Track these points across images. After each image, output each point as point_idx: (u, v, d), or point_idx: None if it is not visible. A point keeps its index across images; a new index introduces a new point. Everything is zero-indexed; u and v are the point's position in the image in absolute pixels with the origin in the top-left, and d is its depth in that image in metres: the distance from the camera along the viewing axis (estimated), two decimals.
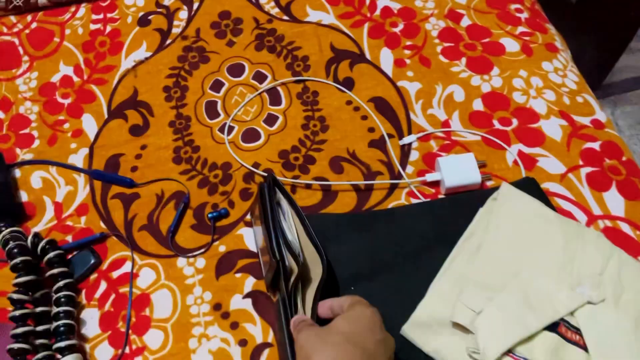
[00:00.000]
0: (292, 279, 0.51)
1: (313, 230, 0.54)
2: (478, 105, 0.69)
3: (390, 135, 0.68)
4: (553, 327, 0.48)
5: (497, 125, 0.68)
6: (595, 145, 0.65)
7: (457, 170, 0.62)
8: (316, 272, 0.52)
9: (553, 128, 0.67)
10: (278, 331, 0.52)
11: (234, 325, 0.56)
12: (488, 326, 0.48)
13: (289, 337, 0.48)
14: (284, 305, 0.50)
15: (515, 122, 0.68)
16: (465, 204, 0.60)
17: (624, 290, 0.50)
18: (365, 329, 0.44)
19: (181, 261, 0.60)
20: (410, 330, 0.52)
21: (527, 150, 0.66)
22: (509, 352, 0.47)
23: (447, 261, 0.55)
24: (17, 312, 0.54)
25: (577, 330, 0.48)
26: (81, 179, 0.67)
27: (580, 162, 0.64)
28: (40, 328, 0.55)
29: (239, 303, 0.57)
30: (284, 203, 0.57)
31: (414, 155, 0.66)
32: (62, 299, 0.56)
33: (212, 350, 0.55)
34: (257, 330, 0.55)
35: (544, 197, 0.59)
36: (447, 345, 0.50)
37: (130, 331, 0.56)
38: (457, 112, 0.69)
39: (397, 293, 0.55)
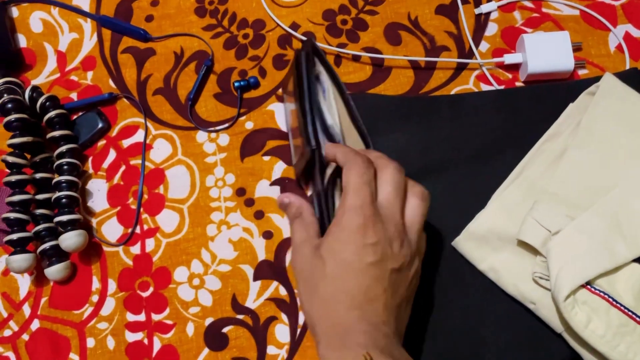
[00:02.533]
0: (329, 171, 0.42)
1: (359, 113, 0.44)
2: None
3: (464, 1, 0.54)
4: None
5: None
6: None
7: (545, 52, 0.49)
8: None
9: None
10: None
11: (259, 215, 0.48)
12: (565, 250, 0.39)
13: None
14: (318, 202, 0.42)
15: None
16: (550, 96, 0.48)
17: None
18: (351, 263, 0.36)
19: (201, 135, 0.51)
20: (465, 243, 0.44)
21: (636, 33, 0.52)
22: (586, 283, 0.38)
23: (519, 165, 0.46)
24: (13, 177, 0.47)
25: None
26: (87, 25, 0.56)
27: None
28: (40, 197, 0.49)
29: (265, 190, 0.49)
30: (325, 78, 0.46)
31: (492, 29, 0.53)
32: (65, 167, 0.49)
33: (232, 239, 0.48)
34: (285, 223, 0.48)
35: None
36: (508, 265, 0.43)
37: (141, 209, 0.50)
38: None
39: (454, 198, 0.46)
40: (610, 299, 0.38)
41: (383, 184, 0.38)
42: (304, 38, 0.53)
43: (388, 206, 0.37)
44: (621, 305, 0.38)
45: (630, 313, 0.38)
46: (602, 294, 0.38)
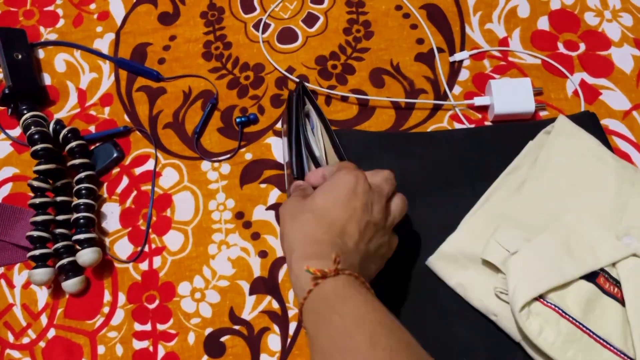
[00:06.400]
0: None
1: (343, 147, 0.50)
2: (543, 24, 0.62)
3: (440, 50, 0.61)
4: (591, 277, 0.45)
5: (561, 49, 0.61)
6: None
7: (510, 96, 0.56)
8: None
9: (624, 58, 0.60)
10: None
11: (255, 236, 0.54)
12: (521, 268, 0.45)
13: None
14: None
15: (582, 47, 0.61)
16: (513, 134, 0.55)
17: None
18: (339, 199, 0.42)
19: (205, 165, 0.57)
20: (437, 262, 0.50)
21: (590, 80, 0.59)
22: (540, 297, 0.44)
23: (485, 195, 0.52)
24: (37, 200, 0.53)
25: (617, 283, 0.45)
26: (106, 66, 0.63)
27: None
28: (60, 217, 0.54)
29: (261, 214, 0.55)
30: (314, 115, 0.53)
31: (464, 75, 0.60)
32: (83, 191, 0.55)
33: (231, 258, 0.54)
34: (278, 244, 0.54)
35: (602, 136, 0.54)
36: (473, 281, 0.48)
37: (150, 230, 0.55)
38: (519, 29, 0.62)
39: (427, 223, 0.52)
40: (560, 311, 0.44)
41: (374, 176, 0.45)
42: (297, 80, 0.60)
43: (376, 188, 0.44)
44: (570, 316, 0.44)
45: (577, 323, 0.44)
46: (553, 306, 0.44)
